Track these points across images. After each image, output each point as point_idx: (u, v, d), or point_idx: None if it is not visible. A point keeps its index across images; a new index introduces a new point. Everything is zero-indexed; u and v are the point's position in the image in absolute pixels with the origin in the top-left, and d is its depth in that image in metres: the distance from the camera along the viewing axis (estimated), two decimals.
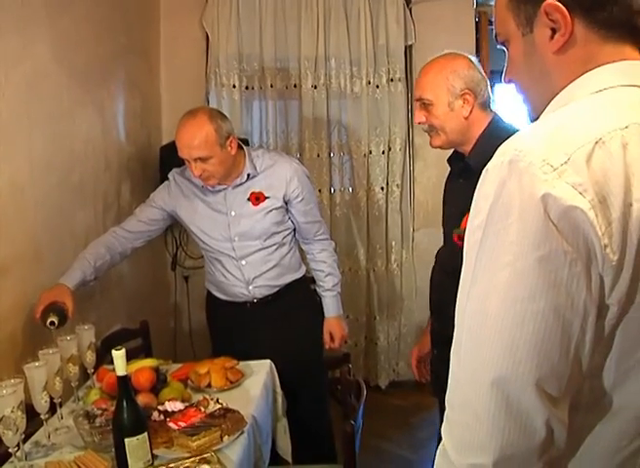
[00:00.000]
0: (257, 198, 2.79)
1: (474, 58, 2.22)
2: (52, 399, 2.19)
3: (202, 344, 3.88)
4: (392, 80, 4.24)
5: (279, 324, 2.90)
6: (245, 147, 2.86)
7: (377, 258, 4.41)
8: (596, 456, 0.97)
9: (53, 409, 2.24)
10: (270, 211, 2.81)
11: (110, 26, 3.36)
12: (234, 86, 4.20)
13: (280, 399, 2.72)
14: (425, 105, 2.20)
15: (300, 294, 2.98)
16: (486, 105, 2.21)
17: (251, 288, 2.89)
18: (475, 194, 0.95)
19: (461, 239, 2.13)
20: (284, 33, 4.18)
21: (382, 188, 4.32)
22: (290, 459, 2.69)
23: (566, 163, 0.87)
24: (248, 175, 2.79)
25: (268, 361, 2.72)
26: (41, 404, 2.10)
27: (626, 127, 0.91)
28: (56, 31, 2.75)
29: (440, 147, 2.29)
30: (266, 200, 2.81)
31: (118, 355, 1.92)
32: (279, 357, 2.83)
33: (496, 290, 0.88)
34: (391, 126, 4.27)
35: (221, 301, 3.00)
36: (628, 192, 0.87)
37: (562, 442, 0.90)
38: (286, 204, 2.85)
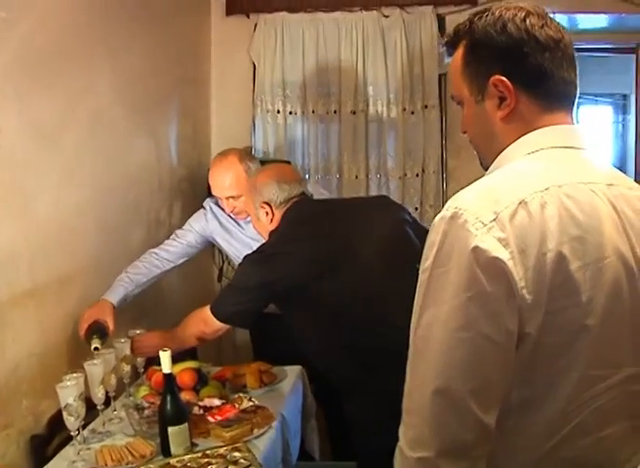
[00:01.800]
0: None
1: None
2: (107, 393, 2.52)
3: (244, 351, 4.16)
4: (427, 107, 4.46)
5: None
6: None
7: None
8: (525, 450, 1.21)
9: (108, 402, 2.57)
10: None
11: (165, 60, 3.69)
12: (278, 111, 4.48)
13: (309, 401, 3.00)
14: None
15: None
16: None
17: None
18: (426, 241, 1.20)
19: None
20: (325, 62, 4.44)
21: (417, 208, 4.55)
22: (317, 456, 2.97)
23: (494, 220, 1.11)
24: None
25: (299, 366, 3.01)
26: (98, 396, 2.43)
27: (547, 189, 1.16)
28: (116, 69, 3.08)
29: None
30: None
31: (165, 355, 2.24)
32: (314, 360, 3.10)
33: (438, 320, 1.13)
34: (425, 149, 4.50)
35: (263, 313, 3.29)
36: (543, 244, 1.12)
37: (490, 439, 1.14)
38: None
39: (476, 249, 1.11)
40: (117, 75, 3.10)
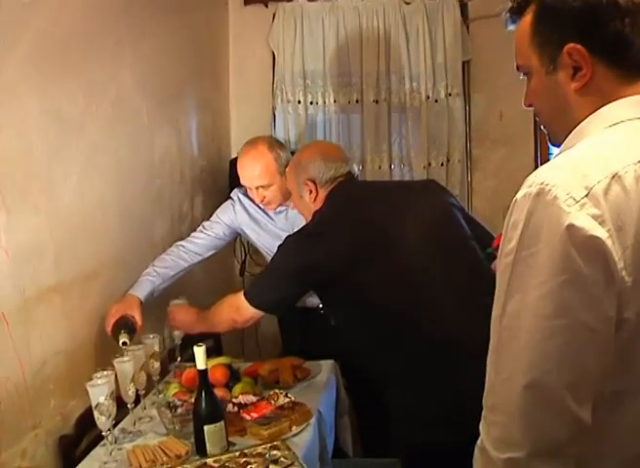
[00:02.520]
0: None
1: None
2: (137, 391, 2.43)
3: (267, 346, 4.09)
4: (450, 95, 4.36)
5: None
6: None
7: None
8: (618, 448, 1.11)
9: (137, 400, 2.47)
10: None
11: (184, 51, 3.61)
12: (299, 101, 4.40)
13: (343, 397, 2.91)
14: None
15: None
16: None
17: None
18: (505, 222, 1.10)
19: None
20: (346, 51, 4.35)
21: None
22: (350, 453, 2.88)
23: (586, 196, 1.01)
24: None
25: (332, 361, 2.91)
26: (128, 394, 2.34)
27: (639, 161, 1.06)
28: (137, 59, 3.01)
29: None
30: None
31: (200, 350, 2.15)
32: (347, 354, 3.02)
33: (527, 307, 1.03)
34: (450, 139, 4.40)
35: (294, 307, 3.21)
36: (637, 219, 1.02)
37: (585, 437, 1.04)
38: None
39: (571, 227, 1.01)
40: (138, 65, 3.02)
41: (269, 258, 3.12)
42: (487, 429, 1.09)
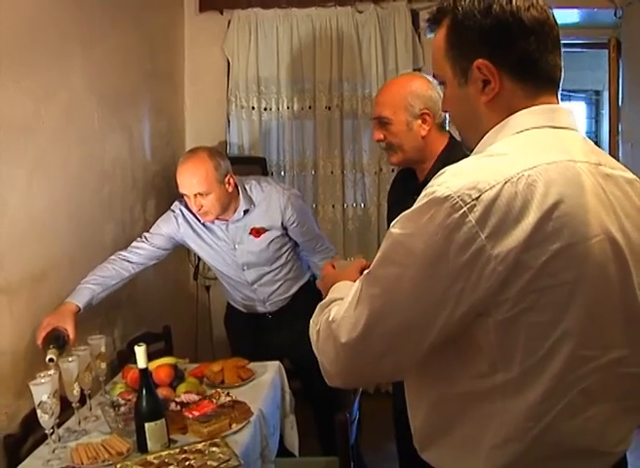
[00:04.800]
0: (257, 231, 3.03)
1: (432, 79, 2.28)
2: (82, 391, 2.47)
3: (222, 350, 4.13)
4: None
5: (294, 325, 3.12)
6: (239, 181, 3.04)
7: None
8: (509, 438, 1.19)
9: (83, 400, 2.52)
10: (272, 240, 3.06)
11: (138, 55, 3.66)
12: (253, 107, 4.46)
13: (288, 397, 2.97)
14: (384, 124, 2.30)
15: (310, 296, 3.20)
16: (443, 126, 2.33)
17: (267, 304, 3.18)
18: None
19: None
20: (300, 58, 4.41)
21: None
22: (297, 452, 2.94)
23: (476, 199, 1.10)
24: (245, 210, 3.01)
25: (277, 362, 2.98)
26: (73, 394, 2.38)
27: (534, 167, 1.14)
28: (88, 63, 3.05)
29: (398, 164, 2.43)
30: (266, 232, 3.04)
31: (140, 350, 2.20)
32: (295, 355, 3.11)
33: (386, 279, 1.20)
34: None
35: (242, 313, 3.28)
36: (530, 223, 1.10)
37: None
38: (285, 229, 3.08)
39: (455, 226, 1.10)
40: (89, 69, 3.06)
41: (214, 270, 3.18)
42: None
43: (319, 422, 3.31)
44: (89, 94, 3.07)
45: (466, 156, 1.27)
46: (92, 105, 3.11)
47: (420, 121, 2.29)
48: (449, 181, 1.14)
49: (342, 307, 1.27)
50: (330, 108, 4.49)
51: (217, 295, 4.41)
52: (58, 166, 2.79)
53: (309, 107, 4.50)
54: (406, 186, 2.46)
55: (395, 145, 2.32)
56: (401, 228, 1.17)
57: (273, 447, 2.66)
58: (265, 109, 4.51)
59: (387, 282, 1.18)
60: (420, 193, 1.18)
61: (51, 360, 2.38)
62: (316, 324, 1.36)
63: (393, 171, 4.49)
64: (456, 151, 2.21)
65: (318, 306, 1.43)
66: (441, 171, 1.19)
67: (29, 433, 2.44)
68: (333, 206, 4.53)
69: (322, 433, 3.31)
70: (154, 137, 3.90)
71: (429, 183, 1.18)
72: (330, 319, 1.28)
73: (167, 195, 3.94)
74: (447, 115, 2.31)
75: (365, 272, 1.26)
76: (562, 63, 1.28)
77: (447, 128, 2.36)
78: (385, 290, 1.18)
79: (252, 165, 4.13)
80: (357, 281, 1.27)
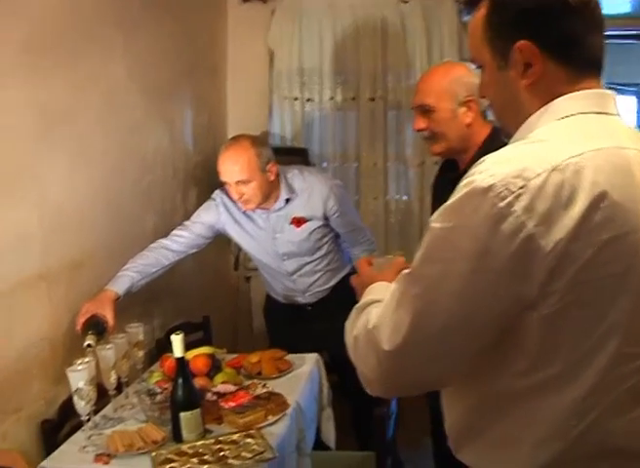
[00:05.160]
0: (298, 221, 3.00)
1: (474, 67, 2.28)
2: (119, 379, 2.48)
3: (262, 341, 4.11)
4: None
5: (333, 317, 3.09)
6: (280, 170, 3.00)
7: None
8: (549, 436, 1.15)
9: (120, 388, 2.53)
10: (313, 230, 3.03)
11: (180, 46, 3.65)
12: (296, 98, 4.42)
13: (326, 390, 2.94)
14: (427, 112, 2.22)
15: (351, 288, 3.15)
16: (485, 115, 2.24)
17: (306, 295, 3.15)
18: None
19: None
20: (344, 48, 4.36)
21: None
22: (333, 446, 2.91)
23: (522, 188, 1.04)
24: (286, 199, 2.98)
25: (316, 354, 2.95)
26: (110, 381, 2.39)
27: (581, 154, 1.08)
28: (129, 53, 3.05)
29: (440, 155, 2.34)
30: (307, 222, 3.01)
31: (176, 339, 2.19)
32: (333, 347, 3.03)
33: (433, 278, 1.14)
34: None
35: (281, 304, 3.26)
36: (578, 212, 1.04)
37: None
38: (326, 219, 3.04)
39: (501, 217, 1.05)
40: (130, 59, 3.06)
41: (254, 260, 3.15)
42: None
43: (356, 416, 3.28)
44: (130, 83, 3.07)
45: (506, 145, 1.21)
46: (133, 95, 3.11)
47: (464, 108, 2.22)
48: (491, 170, 1.08)
49: (382, 310, 1.20)
50: (373, 99, 4.42)
51: (257, 286, 4.39)
52: (98, 154, 2.80)
53: (352, 98, 4.44)
54: (447, 178, 2.38)
55: (438, 134, 2.25)
56: (442, 222, 1.12)
57: (309, 440, 2.63)
58: (308, 100, 4.46)
59: (430, 280, 1.12)
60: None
61: (89, 345, 2.38)
62: (352, 329, 1.29)
63: (436, 163, 4.44)
64: (498, 140, 2.09)
65: (354, 309, 1.36)
66: (481, 159, 1.13)
67: (66, 419, 2.45)
68: (375, 198, 4.47)
69: (358, 427, 3.28)
70: (196, 128, 3.89)
71: (468, 172, 1.13)
72: (369, 324, 1.22)
73: (208, 185, 3.93)
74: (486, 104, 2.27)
75: (404, 271, 1.21)
76: (605, 45, 1.22)
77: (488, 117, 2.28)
78: (428, 289, 1.12)
79: (294, 156, 4.09)
80: (395, 281, 1.22)
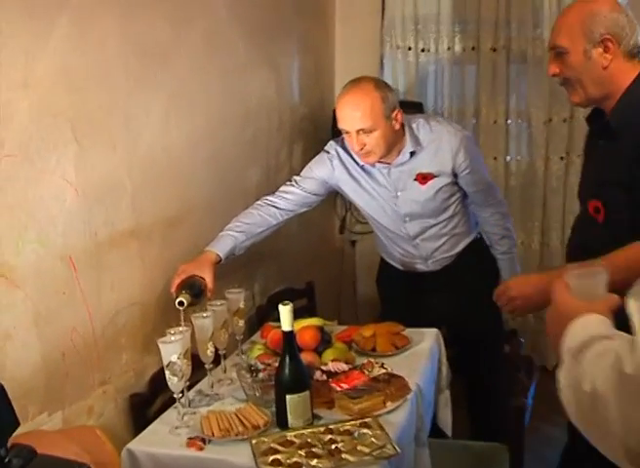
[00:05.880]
0: (424, 177, 2.61)
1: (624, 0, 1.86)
2: (217, 350, 2.21)
3: (366, 309, 3.84)
4: None
5: (457, 287, 2.77)
6: (405, 119, 2.63)
7: (552, 232, 4.16)
8: None
9: (217, 360, 2.25)
10: (440, 188, 2.63)
11: None
12: (410, 48, 4.08)
13: (445, 370, 2.61)
14: (560, 54, 1.90)
15: (476, 257, 2.82)
16: (633, 54, 1.88)
17: (429, 262, 2.79)
18: None
19: (598, 211, 1.88)
20: None
21: (562, 158, 4.06)
22: (449, 433, 2.57)
23: None
24: (411, 152, 2.60)
25: (436, 330, 2.61)
26: (206, 354, 2.12)
27: None
28: None
29: (579, 105, 2.01)
30: (434, 179, 2.62)
31: (285, 309, 1.89)
32: (456, 322, 2.78)
33: None
34: None
35: (398, 271, 2.91)
36: None
37: None
38: (455, 176, 2.66)
39: None
40: None
41: (370, 220, 2.83)
42: None
43: (475, 401, 2.92)
44: (232, 23, 2.78)
45: None
46: (235, 36, 2.82)
47: (600, 49, 1.86)
48: None
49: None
50: (495, 50, 4.03)
51: (363, 251, 4.13)
52: (196, 100, 2.52)
53: (472, 49, 4.06)
54: (593, 130, 2.05)
55: (572, 80, 1.92)
56: None
57: (427, 427, 2.30)
58: (423, 50, 4.11)
59: None
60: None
61: (181, 303, 2.10)
62: (582, 381, 0.93)
63: (565, 121, 4.03)
64: None
65: (568, 354, 1.00)
66: None
67: (158, 393, 2.22)
68: (494, 158, 4.08)
69: (478, 413, 2.93)
70: (302, 77, 3.60)
71: None
72: (624, 367, 0.86)
73: (314, 140, 3.64)
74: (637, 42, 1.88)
75: None
76: None
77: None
78: None
79: (407, 109, 3.70)
80: None
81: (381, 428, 1.83)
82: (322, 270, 3.85)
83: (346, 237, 4.26)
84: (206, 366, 2.16)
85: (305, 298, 3.30)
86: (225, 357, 2.33)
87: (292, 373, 1.87)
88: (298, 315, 2.53)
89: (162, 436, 1.95)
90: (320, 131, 3.71)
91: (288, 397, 1.87)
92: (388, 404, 1.96)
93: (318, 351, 2.31)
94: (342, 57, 4.15)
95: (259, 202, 2.64)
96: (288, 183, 2.71)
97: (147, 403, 2.20)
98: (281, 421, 1.90)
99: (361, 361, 2.26)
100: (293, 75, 3.50)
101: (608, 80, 1.89)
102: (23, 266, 1.74)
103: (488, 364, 2.79)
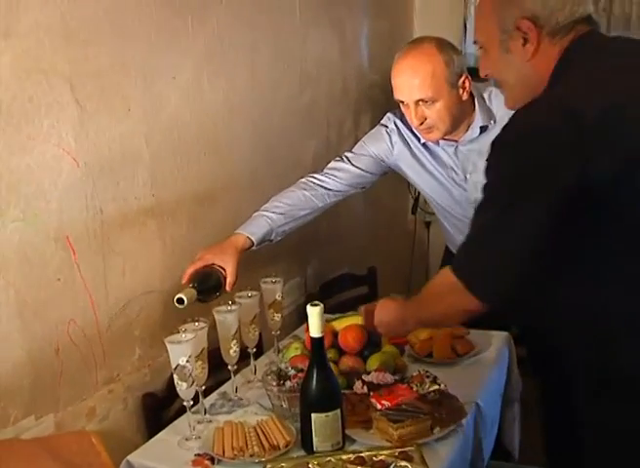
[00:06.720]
0: None
1: None
2: (247, 348, 1.92)
3: None
4: None
5: None
6: (474, 88, 2.22)
7: None
8: None
9: (248, 358, 1.97)
10: None
11: None
12: None
13: (515, 378, 2.25)
14: (483, 52, 1.51)
15: None
16: (556, 31, 1.39)
17: None
18: None
19: None
20: None
21: None
22: (516, 453, 2.22)
23: None
24: (482, 127, 2.21)
25: (506, 333, 2.25)
26: (229, 354, 1.83)
27: None
28: None
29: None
30: None
31: (314, 312, 1.57)
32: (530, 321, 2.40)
33: None
34: None
35: None
36: None
37: None
38: None
39: None
40: None
41: (434, 205, 2.47)
42: None
43: (555, 417, 2.54)
44: None
45: None
46: None
47: (518, 37, 1.43)
48: None
49: None
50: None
51: (438, 234, 3.75)
52: (239, 58, 2.22)
53: None
54: None
55: (500, 82, 1.57)
56: None
57: (487, 451, 1.94)
58: None
59: None
60: None
61: (179, 300, 1.77)
62: None
63: None
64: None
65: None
66: None
67: (176, 394, 1.93)
68: None
69: (556, 432, 2.55)
70: (373, 40, 3.26)
71: None
72: None
73: (386, 110, 3.29)
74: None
75: None
76: None
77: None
78: None
79: (479, 77, 3.37)
80: None
81: (424, 462, 1.49)
82: (388, 254, 3.51)
83: (420, 217, 3.90)
84: (229, 367, 1.86)
85: (366, 286, 3.01)
86: (260, 354, 2.04)
87: (320, 389, 1.55)
88: (354, 304, 2.23)
89: (169, 448, 1.68)
90: (392, 101, 3.34)
91: (314, 416, 1.55)
92: (436, 430, 1.61)
93: (363, 355, 1.97)
94: (422, 19, 3.80)
95: (302, 180, 2.30)
96: (337, 159, 2.37)
97: (163, 405, 1.93)
98: (306, 443, 1.58)
99: (413, 368, 1.93)
100: (361, 37, 3.18)
101: (535, 76, 1.45)
102: (3, 248, 1.47)
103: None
